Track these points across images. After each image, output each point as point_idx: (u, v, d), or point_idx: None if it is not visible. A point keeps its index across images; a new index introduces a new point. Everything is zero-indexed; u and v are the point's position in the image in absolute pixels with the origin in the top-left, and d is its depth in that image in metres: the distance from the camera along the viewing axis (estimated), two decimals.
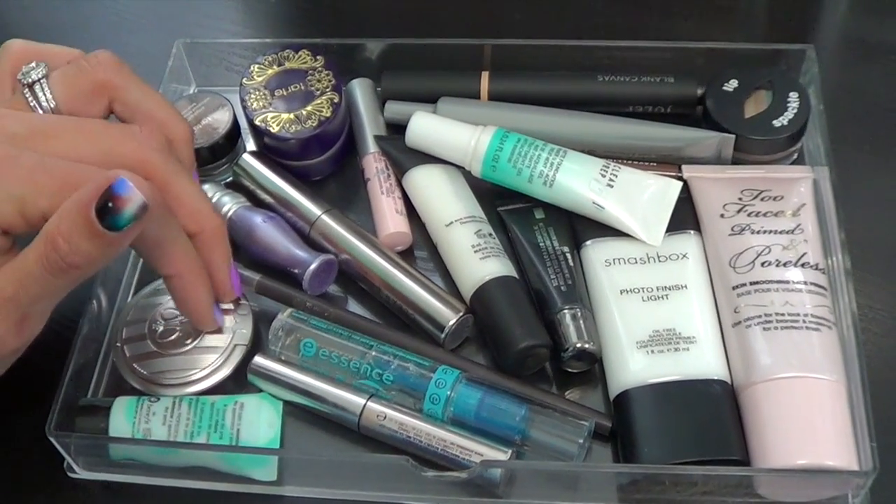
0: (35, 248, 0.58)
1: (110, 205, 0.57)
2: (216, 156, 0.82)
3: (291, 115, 0.79)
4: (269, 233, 0.77)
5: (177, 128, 0.69)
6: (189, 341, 0.72)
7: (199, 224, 0.66)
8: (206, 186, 0.79)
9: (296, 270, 0.75)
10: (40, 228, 0.58)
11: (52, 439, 0.67)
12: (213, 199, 0.79)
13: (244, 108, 0.80)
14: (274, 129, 0.79)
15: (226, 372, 0.72)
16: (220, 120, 0.82)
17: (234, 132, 0.83)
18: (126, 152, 0.63)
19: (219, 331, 0.72)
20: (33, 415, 0.68)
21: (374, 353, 0.70)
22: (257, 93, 0.80)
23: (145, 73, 0.71)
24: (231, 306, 0.71)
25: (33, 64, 0.67)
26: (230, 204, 0.79)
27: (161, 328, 0.73)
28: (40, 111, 0.66)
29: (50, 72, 0.67)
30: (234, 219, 0.78)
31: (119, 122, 0.68)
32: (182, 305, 0.67)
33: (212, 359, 0.72)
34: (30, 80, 0.67)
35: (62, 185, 0.58)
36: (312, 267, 0.74)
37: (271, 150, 0.81)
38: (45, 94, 0.67)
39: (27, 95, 0.67)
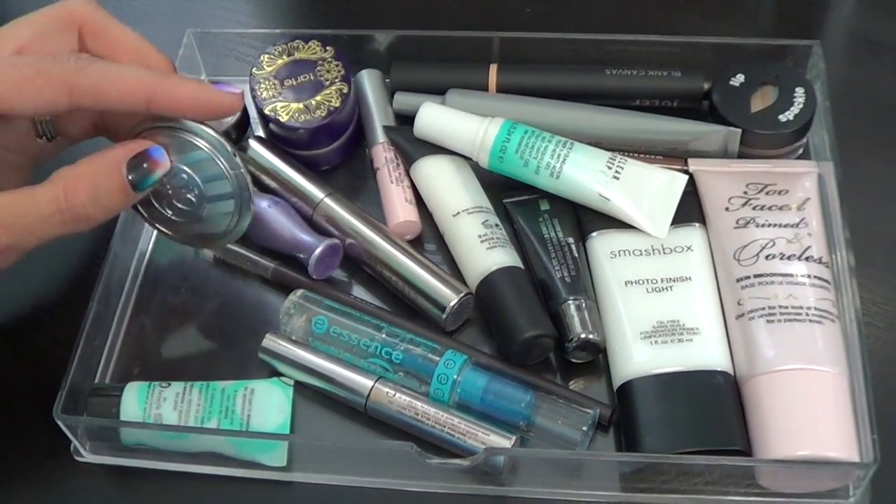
0: (49, 192, 0.61)
1: (145, 165, 0.62)
2: None
3: (301, 105, 0.80)
4: (274, 217, 0.77)
5: (156, 58, 0.70)
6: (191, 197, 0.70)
7: (145, 62, 0.68)
8: None
9: (301, 255, 0.76)
10: None
11: (59, 422, 0.67)
12: None
13: (254, 97, 0.81)
14: (283, 118, 0.79)
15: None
16: None
17: (244, 121, 0.83)
18: (55, 13, 0.67)
19: (235, 99, 0.68)
20: (41, 398, 0.69)
21: (384, 334, 0.71)
22: (267, 82, 0.81)
23: None
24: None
25: None
26: None
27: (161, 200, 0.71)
28: None
29: None
30: None
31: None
32: (184, 110, 0.66)
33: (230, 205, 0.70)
34: None
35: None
36: (317, 251, 0.75)
37: (280, 140, 0.82)
38: None
39: None
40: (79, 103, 0.63)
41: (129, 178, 0.64)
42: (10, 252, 0.64)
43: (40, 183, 0.63)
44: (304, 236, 0.76)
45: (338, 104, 0.80)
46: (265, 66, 0.81)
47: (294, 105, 0.80)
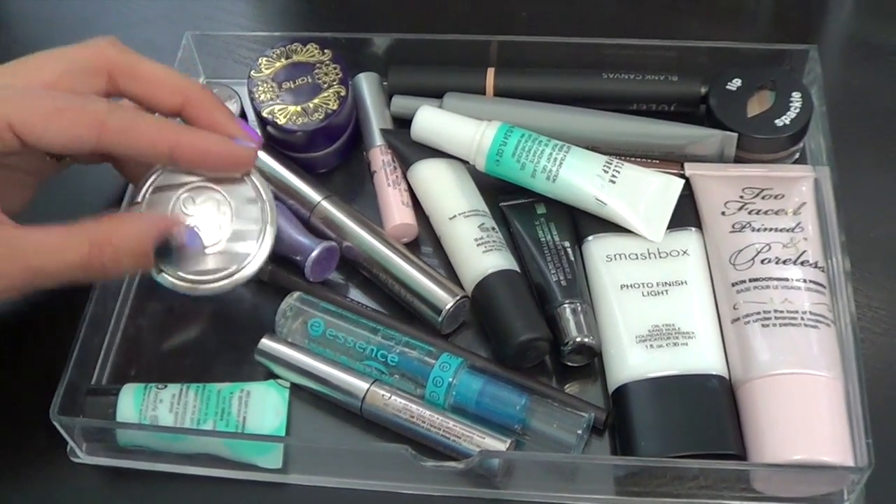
0: (76, 247, 0.63)
1: (173, 245, 0.65)
2: None
3: (298, 108, 0.80)
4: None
5: (193, 89, 0.70)
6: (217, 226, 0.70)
7: (180, 93, 0.69)
8: None
9: (298, 257, 0.76)
10: (9, 142, 0.63)
11: (55, 423, 0.67)
12: None
13: (252, 99, 0.81)
14: (281, 121, 0.80)
15: (263, 256, 0.70)
16: None
17: None
18: (85, 55, 0.67)
19: (250, 156, 0.69)
20: (37, 399, 0.69)
21: (380, 337, 0.71)
22: (265, 85, 0.81)
23: None
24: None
25: None
26: None
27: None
28: None
29: None
30: None
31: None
32: (204, 164, 0.68)
33: (248, 246, 0.70)
34: None
35: (23, 95, 0.64)
36: (314, 253, 0.75)
37: (278, 142, 0.82)
38: None
39: None
40: (105, 144, 0.65)
41: (156, 252, 0.66)
42: (25, 288, 0.65)
43: (65, 225, 0.64)
44: (301, 238, 0.76)
45: (335, 107, 0.80)
46: (263, 69, 0.81)
47: (292, 108, 0.80)
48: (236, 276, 0.69)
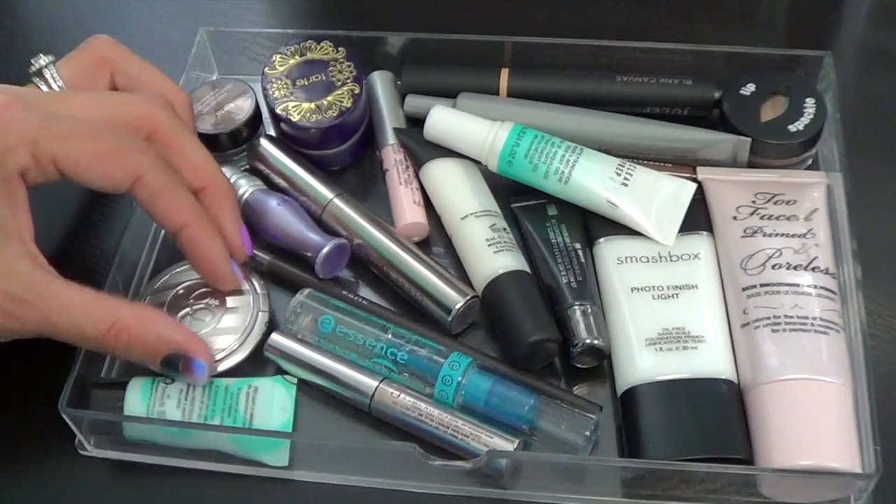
0: (98, 324, 0.64)
1: (179, 367, 0.67)
2: (236, 142, 0.83)
3: (312, 105, 0.80)
4: (283, 215, 0.77)
5: (177, 96, 0.74)
6: (208, 319, 0.73)
7: (204, 179, 0.70)
8: (224, 169, 0.80)
9: (308, 253, 0.76)
10: (51, 175, 0.63)
11: (64, 416, 0.68)
12: (230, 182, 0.79)
13: (266, 96, 0.81)
14: (295, 117, 0.80)
15: (243, 354, 0.72)
16: (241, 107, 0.83)
17: (256, 119, 0.84)
18: (133, 110, 0.68)
19: (238, 291, 0.73)
20: (46, 391, 0.69)
21: (390, 335, 0.71)
22: (279, 82, 0.81)
23: (169, 61, 0.74)
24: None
25: (41, 55, 0.72)
26: (246, 186, 0.79)
27: (180, 312, 0.74)
28: None
29: (56, 60, 0.72)
30: (249, 201, 0.79)
31: (123, 93, 0.72)
32: (196, 262, 0.70)
33: (230, 340, 0.72)
34: (37, 68, 0.72)
35: (72, 132, 0.63)
36: (325, 250, 0.75)
37: (291, 139, 0.82)
38: (52, 77, 0.71)
39: (37, 82, 0.72)
40: (133, 194, 0.66)
41: (162, 362, 0.67)
42: (30, 335, 0.66)
43: (95, 293, 0.66)
44: (313, 235, 0.76)
45: (349, 105, 0.80)
46: (277, 66, 0.82)
47: (306, 105, 0.80)
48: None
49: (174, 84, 0.75)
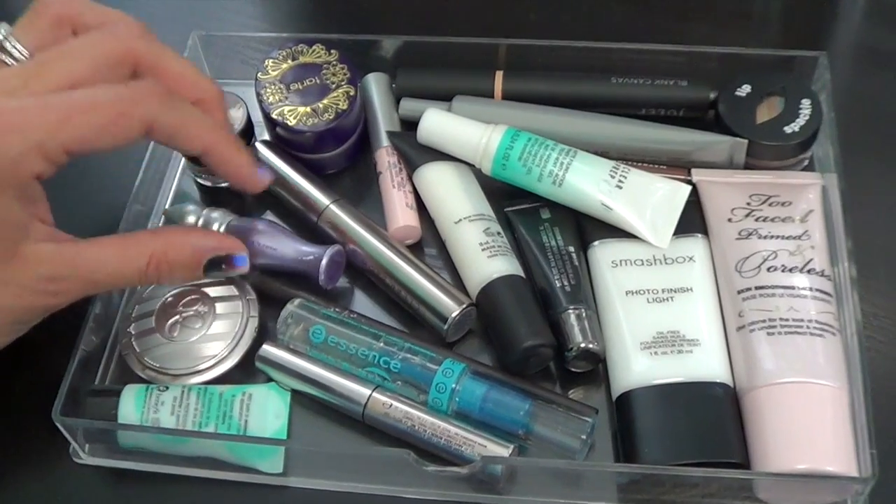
0: (135, 264, 0.65)
1: (223, 266, 0.69)
2: None
3: (308, 109, 0.80)
4: (272, 235, 0.76)
5: (209, 89, 0.71)
6: (198, 325, 0.73)
7: (199, 92, 0.69)
8: (190, 208, 0.79)
9: (307, 269, 0.75)
10: (64, 161, 0.62)
11: (58, 424, 0.68)
12: (201, 222, 0.78)
13: (260, 101, 0.80)
14: (291, 122, 0.79)
15: (234, 360, 0.72)
16: (234, 117, 0.82)
17: (248, 130, 0.83)
18: (111, 49, 0.66)
19: (265, 187, 0.72)
20: (40, 399, 0.69)
21: (382, 343, 0.71)
22: (273, 87, 0.81)
23: None
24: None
25: None
26: (221, 220, 0.78)
27: (169, 319, 0.74)
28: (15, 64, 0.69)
29: (10, 28, 0.70)
30: (227, 231, 0.77)
31: (90, 33, 0.69)
32: (226, 176, 0.70)
33: (220, 347, 0.72)
34: None
35: (70, 114, 0.62)
36: (325, 260, 0.74)
37: (287, 143, 0.82)
38: (15, 49, 0.69)
39: (1, 56, 0.69)
40: (151, 138, 0.66)
41: (205, 266, 0.68)
42: (79, 298, 0.67)
43: (120, 237, 0.68)
44: (307, 248, 0.76)
45: (345, 107, 0.80)
46: (270, 71, 0.81)
47: (301, 109, 0.80)
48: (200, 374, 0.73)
49: (129, 17, 0.72)
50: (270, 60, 0.82)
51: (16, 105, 0.62)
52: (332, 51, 0.82)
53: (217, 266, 0.68)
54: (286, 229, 0.78)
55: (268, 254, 0.76)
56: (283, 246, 0.76)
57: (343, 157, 0.84)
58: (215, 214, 0.78)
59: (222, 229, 0.77)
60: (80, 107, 0.62)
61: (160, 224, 0.82)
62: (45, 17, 0.70)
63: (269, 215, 0.82)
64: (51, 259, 0.63)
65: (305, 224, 0.80)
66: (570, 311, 0.71)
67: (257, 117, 0.83)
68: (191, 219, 0.78)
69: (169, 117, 0.65)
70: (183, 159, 0.85)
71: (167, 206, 0.83)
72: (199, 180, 0.84)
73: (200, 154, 0.68)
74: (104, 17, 0.71)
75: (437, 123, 0.79)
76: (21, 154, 0.60)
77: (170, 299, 0.74)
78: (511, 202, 0.79)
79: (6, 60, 0.69)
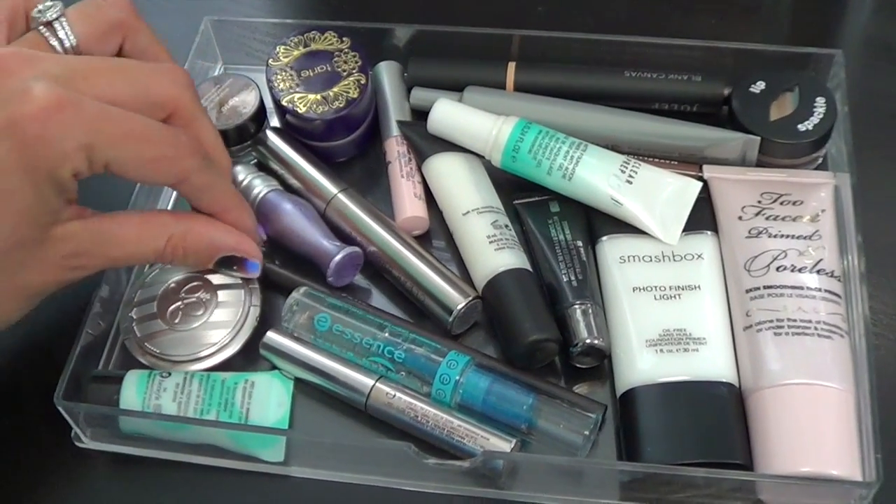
0: (154, 244, 0.67)
1: (235, 268, 0.71)
2: (243, 137, 0.82)
3: (318, 96, 0.80)
4: (297, 219, 0.77)
5: (227, 158, 0.72)
6: (200, 312, 0.73)
7: (221, 159, 0.70)
8: (238, 168, 0.80)
9: (320, 260, 0.75)
10: (100, 172, 0.63)
11: (59, 408, 0.67)
12: (244, 182, 0.79)
13: (271, 88, 0.80)
14: (301, 109, 0.79)
15: (235, 348, 0.72)
16: (246, 101, 0.82)
17: (261, 113, 0.83)
18: (161, 91, 0.66)
19: (231, 285, 0.74)
20: (43, 384, 0.69)
21: (387, 333, 0.71)
22: (284, 73, 0.80)
23: (171, 52, 0.72)
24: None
25: (49, 2, 0.68)
26: (261, 187, 0.79)
27: (171, 305, 0.74)
28: (60, 50, 0.68)
29: (65, 10, 0.69)
30: (264, 201, 0.78)
31: (149, 62, 0.70)
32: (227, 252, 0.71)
33: (221, 335, 0.72)
34: (47, 19, 0.67)
35: (126, 135, 0.62)
36: (337, 258, 0.74)
37: (297, 131, 0.82)
38: (65, 33, 0.68)
39: (45, 34, 0.68)
40: (178, 190, 0.68)
41: (216, 265, 0.70)
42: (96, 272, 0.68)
43: (140, 214, 0.69)
44: (325, 242, 0.75)
45: (356, 95, 0.80)
46: (281, 58, 0.81)
47: (312, 96, 0.80)
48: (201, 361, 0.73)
49: (174, 62, 0.73)
50: (282, 47, 0.81)
51: (75, 99, 0.61)
52: (345, 38, 0.82)
53: (229, 264, 0.70)
54: (317, 219, 0.78)
55: (288, 234, 0.76)
56: (306, 233, 0.76)
57: (353, 146, 0.83)
58: (258, 180, 0.79)
59: (261, 195, 0.78)
60: (136, 132, 0.63)
61: (173, 196, 0.82)
62: (105, 16, 0.70)
63: None
64: (76, 236, 0.64)
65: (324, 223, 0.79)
66: (577, 306, 0.71)
67: (269, 103, 0.83)
68: (239, 176, 0.79)
69: (202, 178, 0.67)
70: None
71: None
72: None
73: (213, 214, 0.69)
74: (158, 49, 0.72)
75: (448, 114, 0.78)
76: (72, 149, 0.60)
77: (172, 286, 0.74)
78: (520, 195, 0.78)
79: (50, 40, 0.67)
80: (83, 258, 0.65)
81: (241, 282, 0.74)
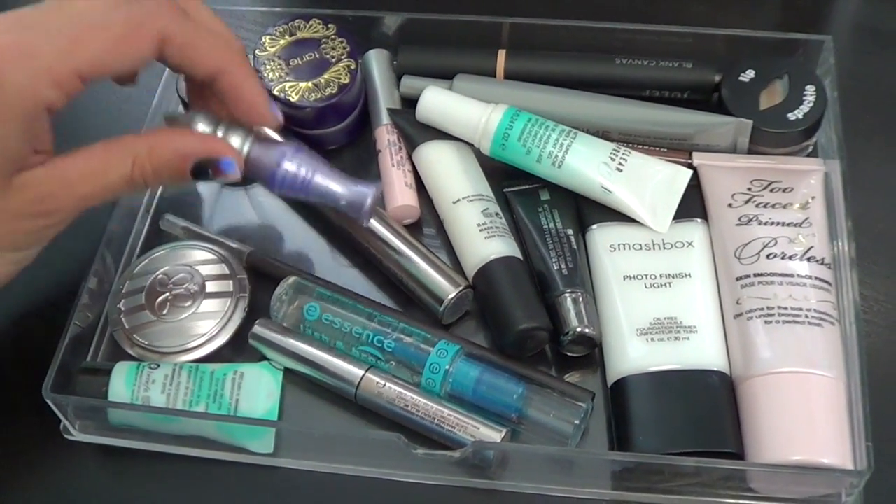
0: (119, 167, 0.63)
1: (210, 172, 0.64)
2: None
3: (310, 84, 0.79)
4: (306, 164, 0.68)
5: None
6: (188, 304, 0.73)
7: (212, 25, 0.67)
8: (207, 120, 0.70)
9: (344, 202, 0.68)
10: (78, 89, 0.60)
11: (48, 401, 0.67)
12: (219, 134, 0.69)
13: (260, 79, 0.80)
14: (293, 98, 0.79)
15: (223, 339, 0.72)
16: None
17: None
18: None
19: (278, 127, 0.69)
20: (31, 376, 0.69)
21: (376, 323, 0.70)
22: (272, 63, 0.80)
23: None
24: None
25: None
26: (243, 139, 0.67)
27: (159, 297, 0.73)
28: None
29: None
30: (253, 156, 0.67)
31: None
32: (237, 103, 0.66)
33: (210, 325, 0.72)
34: None
35: (80, 35, 0.60)
36: (370, 199, 0.68)
37: (288, 119, 0.81)
38: None
39: None
40: (163, 58, 0.63)
41: (192, 171, 0.64)
42: (75, 215, 0.64)
43: (105, 143, 0.63)
44: (350, 182, 0.68)
45: (347, 80, 0.80)
46: (268, 47, 0.81)
47: (303, 84, 0.79)
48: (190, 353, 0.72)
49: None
50: (268, 37, 0.81)
51: (28, 35, 0.59)
52: (330, 25, 0.82)
53: (204, 171, 0.65)
54: (320, 157, 0.69)
55: (296, 184, 0.67)
56: (320, 176, 0.68)
57: (343, 134, 0.83)
58: (238, 131, 0.67)
59: (245, 149, 0.66)
60: (91, 27, 0.60)
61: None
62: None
63: None
64: (39, 181, 0.61)
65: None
66: (567, 294, 0.70)
67: None
68: (201, 126, 0.66)
69: (183, 31, 0.63)
70: None
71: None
72: None
73: (213, 78, 0.65)
74: None
75: (437, 102, 0.78)
76: (30, 81, 0.58)
77: (160, 276, 0.74)
78: (510, 183, 0.78)
79: None
80: (51, 201, 0.62)
81: (228, 273, 0.73)
